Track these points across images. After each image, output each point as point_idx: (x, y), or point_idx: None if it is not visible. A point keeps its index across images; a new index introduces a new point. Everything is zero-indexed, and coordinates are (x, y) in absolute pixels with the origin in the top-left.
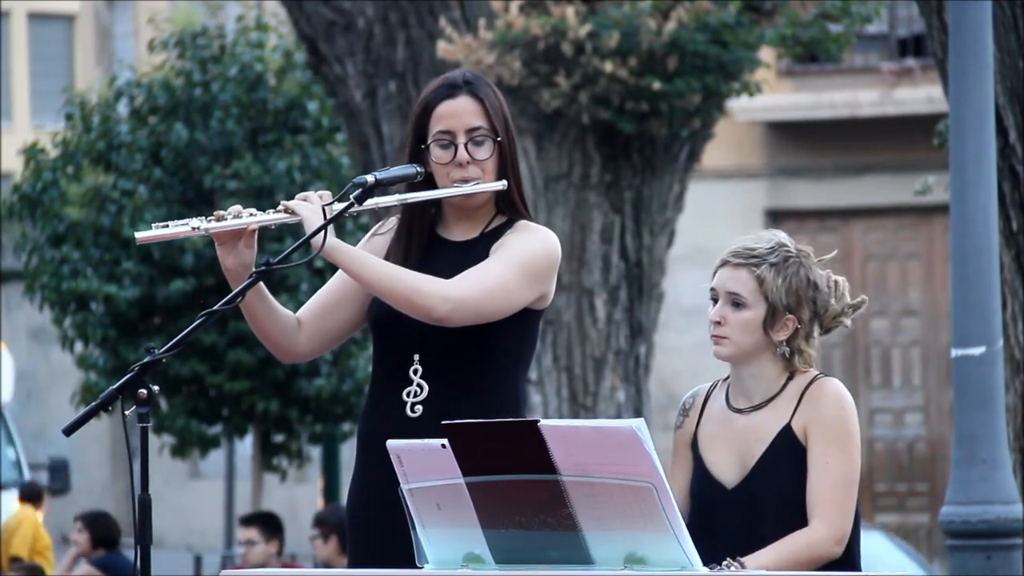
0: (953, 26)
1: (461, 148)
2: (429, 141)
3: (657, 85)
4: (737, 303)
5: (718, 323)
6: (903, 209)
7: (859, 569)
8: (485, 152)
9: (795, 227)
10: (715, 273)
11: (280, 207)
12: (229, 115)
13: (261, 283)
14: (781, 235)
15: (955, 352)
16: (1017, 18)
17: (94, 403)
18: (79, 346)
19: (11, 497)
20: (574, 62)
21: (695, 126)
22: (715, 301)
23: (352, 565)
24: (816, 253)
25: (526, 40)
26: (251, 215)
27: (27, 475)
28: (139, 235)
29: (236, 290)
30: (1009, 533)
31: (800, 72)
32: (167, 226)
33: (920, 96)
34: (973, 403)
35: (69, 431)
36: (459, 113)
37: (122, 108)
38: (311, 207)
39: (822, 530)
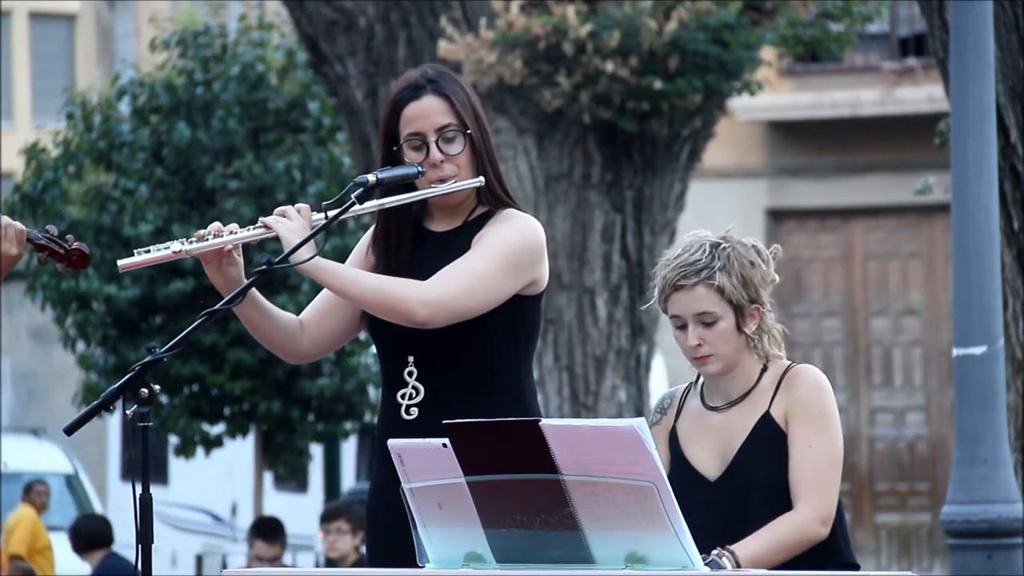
0: (954, 25)
1: (433, 147)
2: (401, 143)
3: (658, 84)
4: (707, 321)
5: (698, 345)
6: (904, 208)
7: (844, 550)
8: (457, 147)
9: (796, 227)
10: (664, 299)
11: (259, 223)
12: (230, 114)
13: (253, 289)
14: (702, 234)
15: (956, 351)
16: (1018, 18)
17: (95, 402)
18: (80, 346)
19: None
20: (575, 62)
21: (696, 125)
22: (680, 327)
23: (369, 559)
24: (817, 253)
25: (527, 40)
26: (231, 233)
27: None
28: (121, 262)
29: (236, 291)
30: (1010, 532)
31: (801, 71)
32: (148, 251)
33: (921, 95)
34: (974, 403)
35: (70, 430)
36: (426, 113)
37: (123, 107)
38: (288, 224)
39: (808, 512)
